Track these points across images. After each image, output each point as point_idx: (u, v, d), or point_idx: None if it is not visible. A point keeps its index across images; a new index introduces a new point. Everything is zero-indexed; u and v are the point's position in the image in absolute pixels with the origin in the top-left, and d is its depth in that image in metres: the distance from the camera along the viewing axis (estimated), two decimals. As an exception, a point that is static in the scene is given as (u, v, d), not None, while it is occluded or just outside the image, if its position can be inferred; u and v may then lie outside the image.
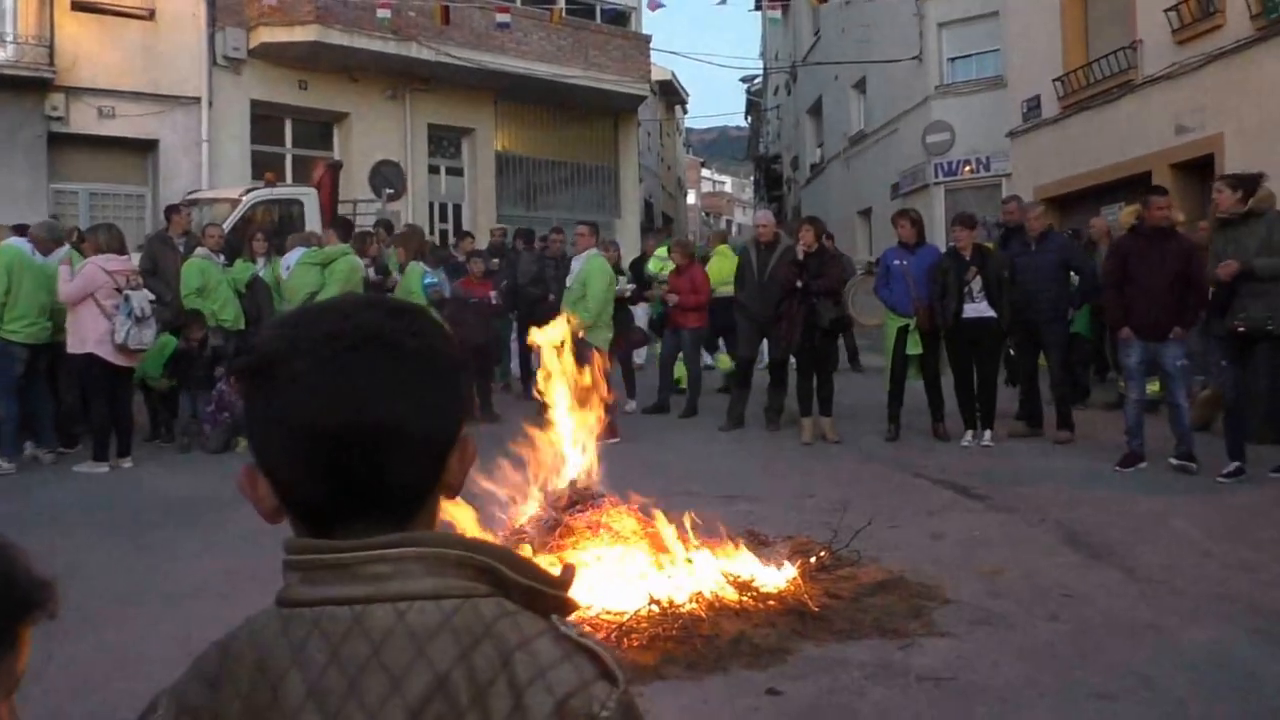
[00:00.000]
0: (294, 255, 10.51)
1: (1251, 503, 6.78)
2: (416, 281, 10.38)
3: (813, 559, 5.28)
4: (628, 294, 11.20)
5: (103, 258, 8.58)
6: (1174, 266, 7.63)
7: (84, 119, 16.05)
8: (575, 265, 10.15)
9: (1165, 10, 13.19)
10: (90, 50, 15.97)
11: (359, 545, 0.96)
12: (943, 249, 9.83)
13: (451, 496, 1.06)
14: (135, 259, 11.26)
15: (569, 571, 1.08)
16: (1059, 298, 9.24)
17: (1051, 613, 4.77)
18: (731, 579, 4.87)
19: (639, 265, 13.62)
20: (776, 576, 4.96)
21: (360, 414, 0.95)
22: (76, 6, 15.97)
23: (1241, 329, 7.24)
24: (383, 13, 16.86)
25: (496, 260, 12.67)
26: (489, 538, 4.14)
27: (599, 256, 10.12)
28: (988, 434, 9.09)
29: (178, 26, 16.85)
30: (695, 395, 11.17)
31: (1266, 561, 5.48)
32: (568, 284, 10.00)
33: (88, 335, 8.40)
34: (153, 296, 8.82)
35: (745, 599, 4.78)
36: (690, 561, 4.84)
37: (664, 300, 11.17)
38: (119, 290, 8.45)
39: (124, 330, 8.36)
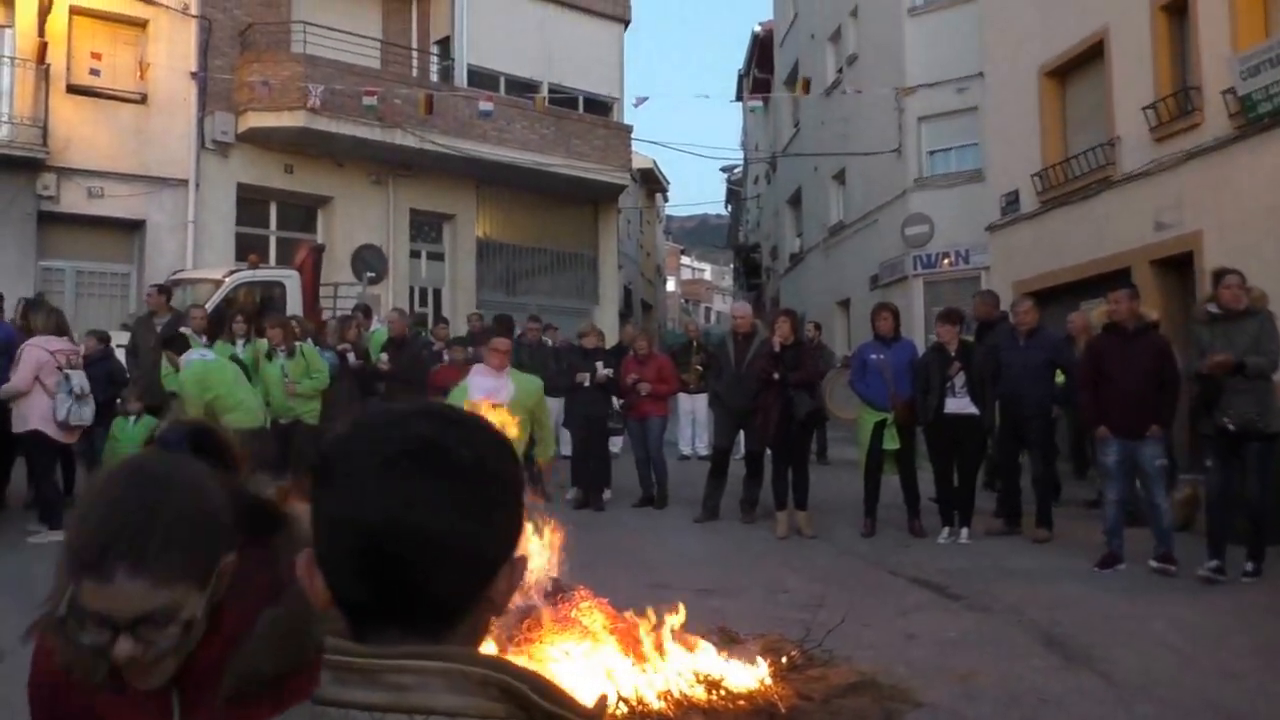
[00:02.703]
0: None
1: (1232, 606, 6.71)
2: (317, 357, 10.29)
3: (784, 658, 5.19)
4: (605, 380, 11.15)
5: (43, 339, 8.87)
6: (1148, 364, 7.66)
7: (74, 198, 16.18)
8: (489, 385, 7.58)
9: (1143, 108, 13.42)
10: (83, 132, 16.17)
11: (385, 653, 0.96)
12: (920, 342, 9.85)
13: (497, 615, 1.05)
14: (125, 336, 11.43)
15: (602, 703, 1.07)
16: (1044, 395, 9.23)
17: (1026, 718, 4.67)
18: (701, 678, 4.77)
19: (619, 352, 13.63)
20: (747, 676, 4.86)
21: (401, 519, 0.96)
22: (71, 89, 16.25)
23: (1231, 426, 7.22)
24: (369, 100, 17.11)
25: (472, 350, 12.65)
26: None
27: (526, 376, 8.20)
28: (965, 531, 9.02)
29: (169, 110, 17.08)
30: (664, 485, 11.08)
31: (1248, 669, 5.39)
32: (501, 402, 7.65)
33: (30, 413, 8.67)
34: (83, 378, 9.09)
35: (714, 698, 4.68)
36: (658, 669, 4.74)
37: (634, 389, 11.06)
38: (59, 369, 8.76)
39: (65, 408, 8.69)
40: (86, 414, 8.99)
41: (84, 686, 1.39)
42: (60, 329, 9.29)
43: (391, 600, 0.98)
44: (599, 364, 11.08)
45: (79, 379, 8.91)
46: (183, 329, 10.14)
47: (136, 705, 1.43)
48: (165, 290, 12.06)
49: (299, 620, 1.39)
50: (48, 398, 8.71)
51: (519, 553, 1.05)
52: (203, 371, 8.95)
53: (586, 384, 10.96)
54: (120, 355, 11.02)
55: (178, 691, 1.45)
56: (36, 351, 8.75)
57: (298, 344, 10.13)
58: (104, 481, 1.38)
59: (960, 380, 8.97)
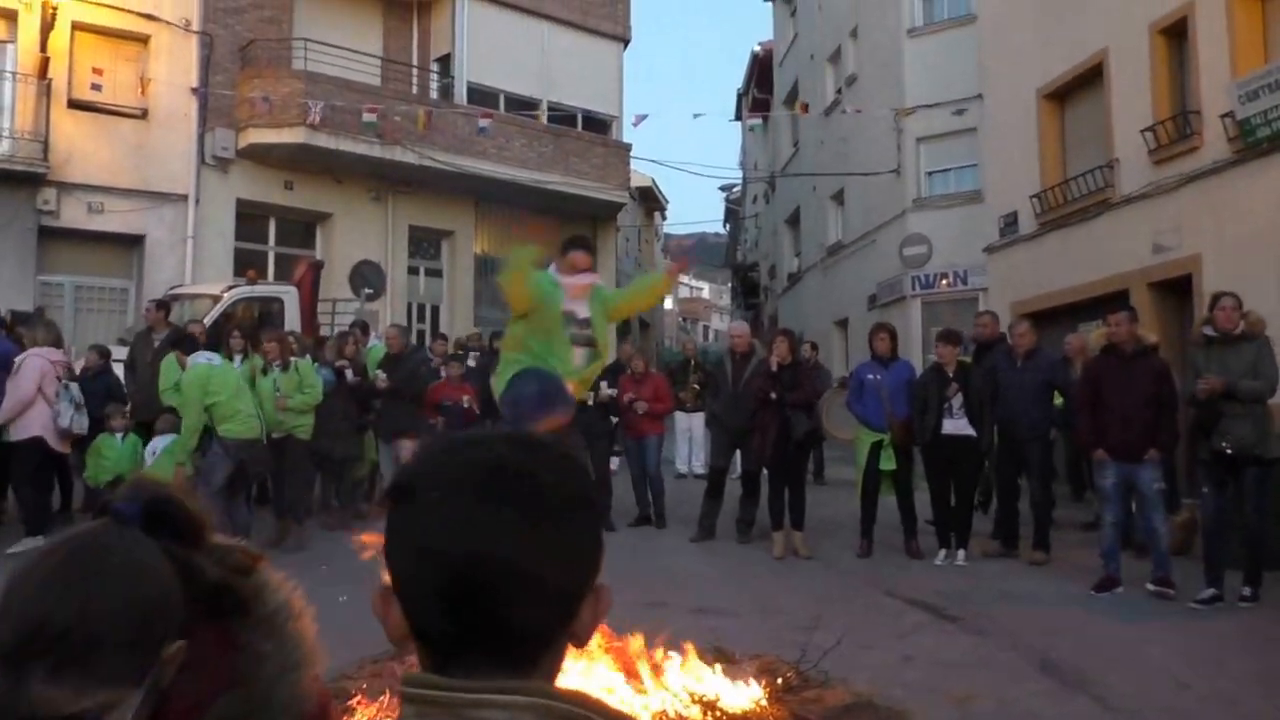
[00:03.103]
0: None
1: (1229, 631, 6.69)
2: (312, 372, 10.29)
3: (780, 679, 5.16)
4: (608, 399, 11.12)
5: (44, 349, 9.12)
6: (1146, 387, 7.65)
7: (74, 213, 16.20)
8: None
9: (1142, 131, 13.46)
10: (84, 147, 16.21)
11: (471, 687, 0.94)
12: (918, 362, 9.84)
13: (579, 647, 1.02)
14: (122, 352, 11.47)
15: None
16: (1042, 416, 9.21)
17: (1023, 743, 4.65)
18: (696, 698, 4.75)
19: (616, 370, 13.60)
20: (742, 697, 4.84)
21: (485, 549, 0.94)
22: (73, 104, 16.28)
23: (1229, 451, 7.21)
24: (369, 117, 17.14)
25: (470, 363, 12.63)
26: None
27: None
28: (961, 553, 9.00)
29: (169, 126, 17.12)
30: (661, 504, 11.05)
31: (1245, 695, 5.37)
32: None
33: (32, 422, 8.89)
34: (78, 388, 9.38)
35: (710, 719, 4.66)
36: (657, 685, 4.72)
37: (631, 408, 11.04)
38: (59, 379, 9.06)
39: (68, 416, 9.01)
40: (84, 423, 9.29)
41: None
42: (58, 342, 9.53)
43: (474, 632, 0.95)
44: (603, 383, 11.04)
45: (76, 390, 9.22)
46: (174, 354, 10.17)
47: None
48: (164, 306, 12.07)
49: (255, 711, 1.31)
50: (48, 407, 8.95)
51: (601, 582, 1.03)
52: (206, 374, 9.02)
53: (590, 402, 10.93)
54: (119, 370, 11.02)
55: None
56: (39, 361, 8.98)
57: (293, 359, 10.13)
58: (33, 564, 1.20)
59: (957, 401, 8.96)
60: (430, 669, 0.98)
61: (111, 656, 1.15)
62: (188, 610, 1.26)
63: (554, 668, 1.00)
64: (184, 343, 9.67)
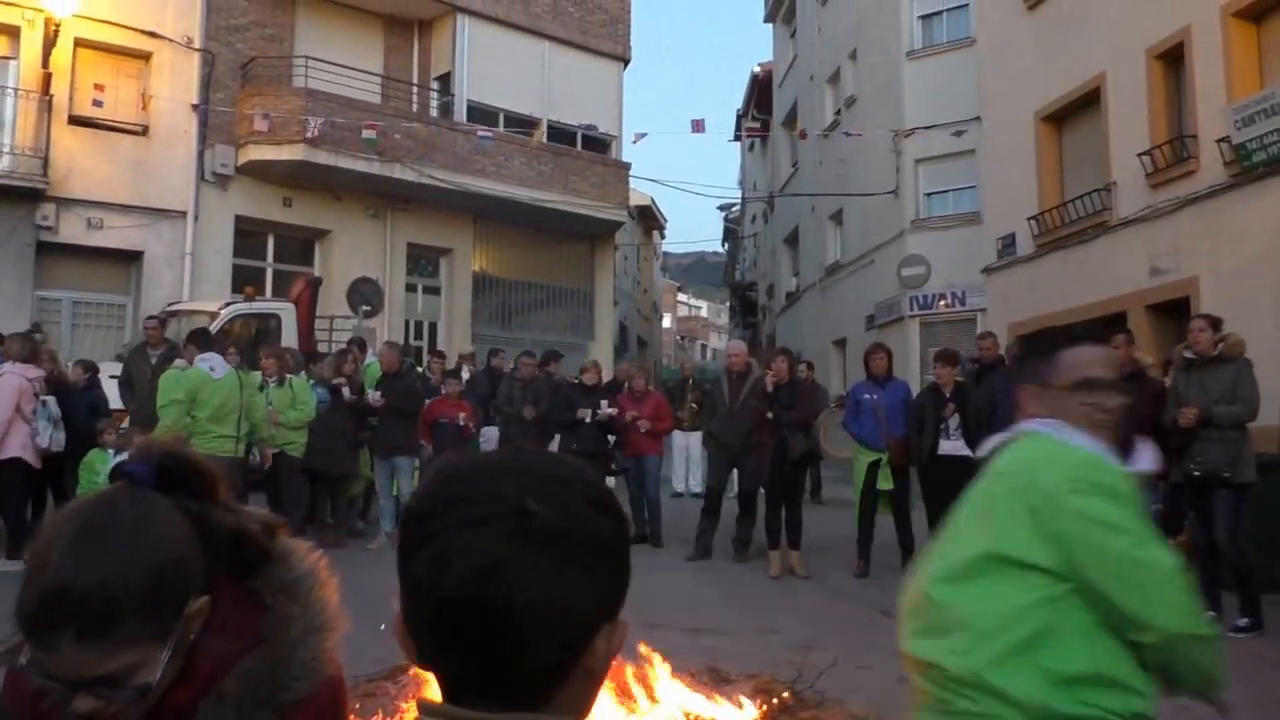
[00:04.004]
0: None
1: (1231, 656, 6.61)
2: (306, 389, 10.29)
3: (775, 699, 5.14)
4: (606, 418, 11.09)
5: (20, 366, 8.93)
6: (1142, 409, 7.63)
7: (73, 229, 16.23)
8: None
9: (1139, 154, 13.51)
10: (84, 163, 16.25)
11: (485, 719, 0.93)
12: (916, 382, 9.83)
13: (598, 682, 0.99)
14: (116, 368, 11.42)
15: None
16: None
17: (1019, 765, 4.61)
18: (692, 718, 4.73)
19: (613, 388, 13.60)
20: (737, 717, 4.82)
21: (483, 588, 0.90)
22: (73, 120, 16.33)
23: (1197, 473, 7.19)
24: (368, 134, 17.18)
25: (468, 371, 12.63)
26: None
27: None
28: (959, 573, 8.97)
29: (169, 142, 17.18)
30: (658, 524, 11.01)
31: (1243, 719, 5.35)
32: None
33: (11, 442, 8.74)
34: (55, 403, 9.28)
35: (705, 741, 4.63)
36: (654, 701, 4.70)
37: (633, 426, 11.02)
38: (36, 395, 8.91)
39: (46, 434, 8.93)
40: (60, 439, 9.20)
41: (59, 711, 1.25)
42: (33, 356, 9.29)
43: (479, 669, 0.93)
44: (604, 402, 11.02)
45: (54, 404, 9.12)
46: (176, 361, 10.11)
47: None
48: (165, 323, 12.08)
49: (270, 677, 1.33)
50: (25, 425, 8.81)
51: (620, 616, 0.99)
52: (198, 382, 8.93)
53: (588, 420, 10.91)
54: (108, 386, 10.95)
55: None
56: (15, 380, 8.81)
57: (288, 376, 10.13)
58: (50, 533, 1.23)
59: (954, 422, 8.95)
60: (446, 699, 0.96)
61: (132, 618, 1.20)
62: (211, 568, 1.30)
63: (572, 703, 0.97)
64: (198, 337, 9.63)
